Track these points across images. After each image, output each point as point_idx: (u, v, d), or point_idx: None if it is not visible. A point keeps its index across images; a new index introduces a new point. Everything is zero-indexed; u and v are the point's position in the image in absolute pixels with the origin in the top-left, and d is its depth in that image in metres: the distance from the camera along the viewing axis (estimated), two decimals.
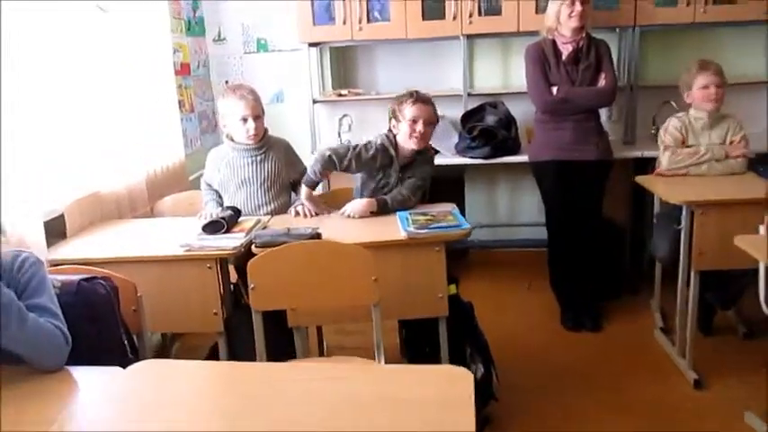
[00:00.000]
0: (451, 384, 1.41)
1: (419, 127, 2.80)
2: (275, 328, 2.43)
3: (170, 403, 1.45)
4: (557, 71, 3.52)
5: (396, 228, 2.56)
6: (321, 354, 3.21)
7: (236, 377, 1.61)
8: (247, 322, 2.52)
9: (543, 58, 3.53)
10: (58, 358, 1.60)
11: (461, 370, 1.47)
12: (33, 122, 2.55)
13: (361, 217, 2.73)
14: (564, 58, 3.52)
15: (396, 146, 2.88)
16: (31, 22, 2.59)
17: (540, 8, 3.99)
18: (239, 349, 2.67)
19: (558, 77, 3.51)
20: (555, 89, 3.50)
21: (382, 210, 2.75)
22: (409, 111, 2.81)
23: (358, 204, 2.76)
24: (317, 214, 2.84)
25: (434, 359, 2.59)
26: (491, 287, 4.19)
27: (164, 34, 3.75)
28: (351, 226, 2.67)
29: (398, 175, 2.87)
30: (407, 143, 2.84)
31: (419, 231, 2.42)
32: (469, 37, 4.24)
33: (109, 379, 1.56)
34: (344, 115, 4.48)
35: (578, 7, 3.42)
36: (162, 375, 1.60)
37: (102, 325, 1.90)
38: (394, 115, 2.90)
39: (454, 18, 4.11)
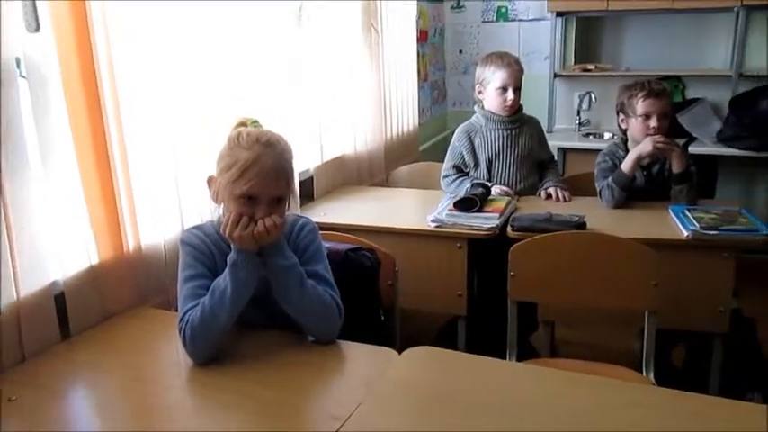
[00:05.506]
0: None
1: (653, 123, 2.45)
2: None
3: (453, 396, 1.33)
4: None
5: (670, 224, 2.24)
6: (553, 350, 2.97)
7: (512, 377, 1.45)
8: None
9: None
10: (333, 330, 1.54)
11: None
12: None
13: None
14: None
15: (626, 148, 2.58)
16: None
17: None
18: None
19: None
20: None
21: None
22: (641, 105, 2.47)
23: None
24: (571, 199, 2.59)
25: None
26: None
27: None
28: (617, 218, 2.38)
29: (642, 174, 2.53)
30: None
31: (708, 232, 2.08)
32: (749, 8, 3.66)
33: (385, 361, 1.47)
34: (587, 92, 4.12)
35: None
36: (439, 364, 1.48)
37: (362, 298, 1.83)
38: (622, 109, 2.57)
39: None
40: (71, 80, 1.61)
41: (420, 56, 4.16)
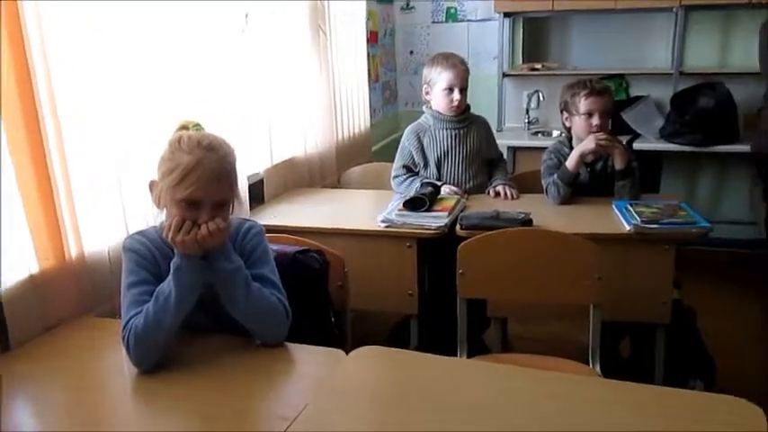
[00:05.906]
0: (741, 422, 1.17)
1: (595, 120, 2.52)
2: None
3: (400, 394, 1.35)
4: None
5: (613, 218, 2.30)
6: (505, 346, 3.01)
7: (460, 374, 1.46)
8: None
9: None
10: (280, 332, 1.53)
11: (750, 406, 1.22)
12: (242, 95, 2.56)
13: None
14: None
15: (571, 146, 2.62)
16: None
17: None
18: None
19: None
20: None
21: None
22: (584, 104, 2.53)
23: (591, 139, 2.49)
24: (518, 197, 2.64)
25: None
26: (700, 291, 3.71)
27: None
28: (563, 214, 2.43)
29: (587, 170, 2.60)
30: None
31: (649, 226, 2.14)
32: (687, 8, 3.79)
33: (333, 361, 1.47)
34: (535, 91, 4.19)
35: None
36: (387, 363, 1.49)
37: (311, 300, 1.82)
38: (566, 107, 2.62)
39: None
40: (5, 80, 1.56)
41: (371, 57, 4.18)
